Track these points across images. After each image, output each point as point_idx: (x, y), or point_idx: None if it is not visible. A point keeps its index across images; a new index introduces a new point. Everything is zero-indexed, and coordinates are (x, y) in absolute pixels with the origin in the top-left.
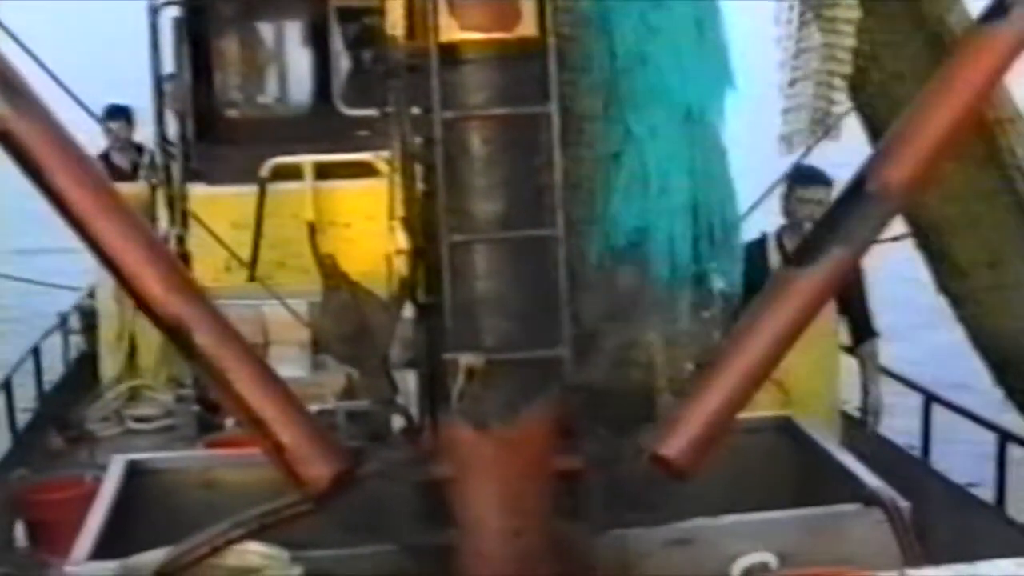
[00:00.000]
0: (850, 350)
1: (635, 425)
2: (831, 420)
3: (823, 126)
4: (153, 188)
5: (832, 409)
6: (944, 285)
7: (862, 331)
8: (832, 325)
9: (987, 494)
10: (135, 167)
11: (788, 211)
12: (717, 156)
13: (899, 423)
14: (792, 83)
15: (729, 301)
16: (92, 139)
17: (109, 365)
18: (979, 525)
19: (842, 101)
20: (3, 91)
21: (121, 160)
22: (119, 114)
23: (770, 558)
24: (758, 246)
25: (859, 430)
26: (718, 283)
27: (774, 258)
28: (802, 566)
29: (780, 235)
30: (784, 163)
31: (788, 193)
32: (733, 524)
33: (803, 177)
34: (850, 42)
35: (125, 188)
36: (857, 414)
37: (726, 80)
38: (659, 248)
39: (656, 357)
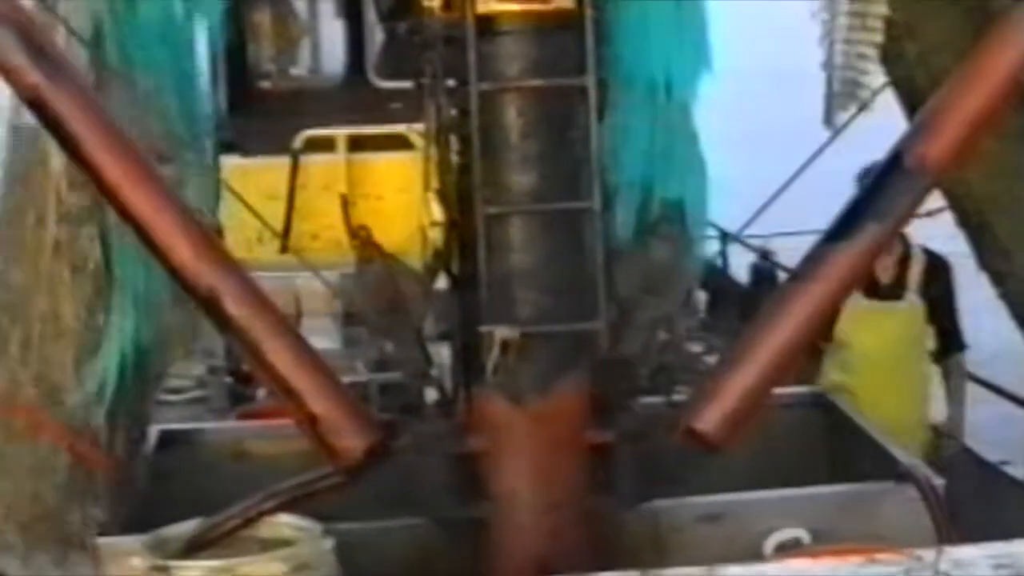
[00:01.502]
0: (936, 360)
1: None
2: (915, 436)
3: (853, 98)
4: None
5: (918, 426)
6: (986, 263)
7: (949, 343)
8: (923, 346)
9: (1021, 472)
10: None
11: None
12: (682, 139)
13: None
14: (827, 57)
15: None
16: None
17: None
18: (1012, 503)
19: (874, 72)
20: (37, 61)
21: None
22: None
23: (803, 534)
24: None
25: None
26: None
27: None
28: (835, 542)
29: None
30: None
31: None
32: (766, 500)
33: None
34: (882, 9)
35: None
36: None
37: (701, 60)
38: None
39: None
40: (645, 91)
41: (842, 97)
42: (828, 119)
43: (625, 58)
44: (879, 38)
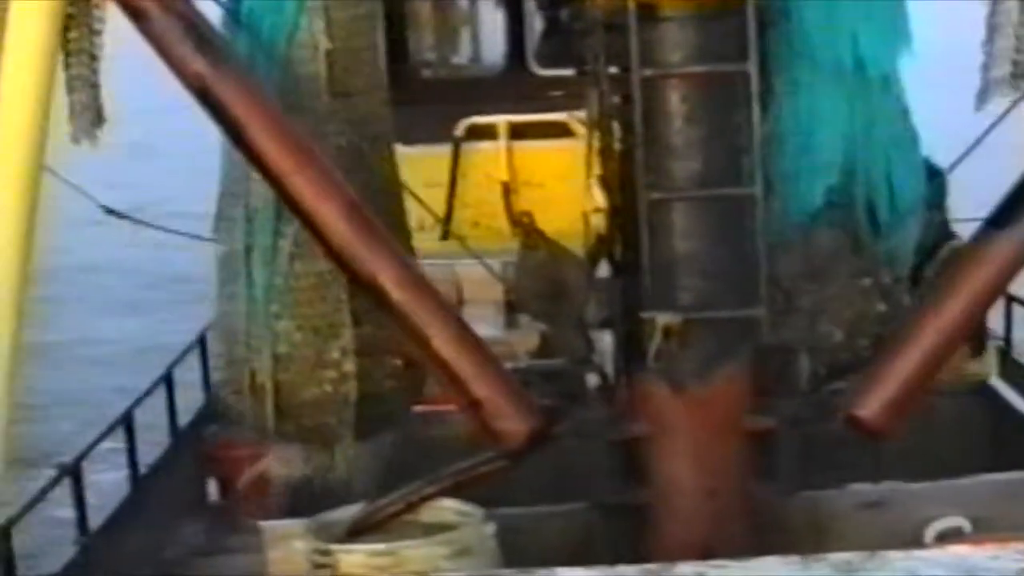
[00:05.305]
0: None
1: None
2: None
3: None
4: None
5: None
6: None
7: None
8: None
9: None
10: None
11: None
12: (886, 115)
13: None
14: (991, 37)
15: (897, 270)
16: None
17: None
18: None
19: None
20: (203, 51)
21: None
22: None
23: (964, 523)
24: None
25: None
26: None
27: None
28: (997, 531)
29: None
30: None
31: None
32: (927, 488)
33: None
34: None
35: None
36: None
37: (898, 36)
38: (797, 207)
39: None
40: (830, 72)
41: (1014, 79)
42: (981, 101)
43: (813, 39)
44: None
